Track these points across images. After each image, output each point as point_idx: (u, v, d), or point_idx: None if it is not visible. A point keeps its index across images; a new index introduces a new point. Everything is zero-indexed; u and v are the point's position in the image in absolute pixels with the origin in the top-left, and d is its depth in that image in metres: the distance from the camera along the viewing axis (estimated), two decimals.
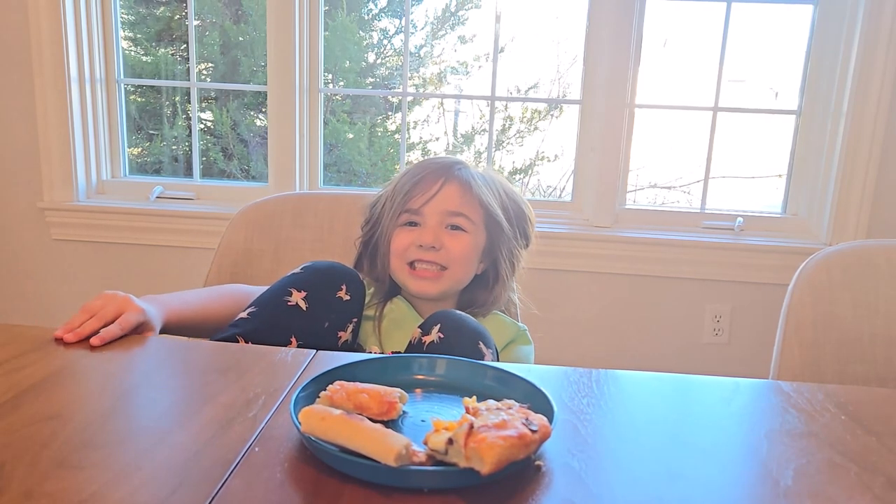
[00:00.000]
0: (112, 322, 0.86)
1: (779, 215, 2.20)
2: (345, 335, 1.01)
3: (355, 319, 1.03)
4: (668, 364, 2.17)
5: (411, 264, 1.08)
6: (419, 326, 0.95)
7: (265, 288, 1.02)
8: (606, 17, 2.07)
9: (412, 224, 1.09)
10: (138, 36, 2.48)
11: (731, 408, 0.75)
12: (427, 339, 0.92)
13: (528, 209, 1.16)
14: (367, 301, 1.10)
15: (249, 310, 0.98)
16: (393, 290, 1.13)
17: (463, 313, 0.96)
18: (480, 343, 0.91)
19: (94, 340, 0.83)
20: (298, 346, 0.95)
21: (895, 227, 2.04)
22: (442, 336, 0.91)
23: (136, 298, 0.91)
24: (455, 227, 1.08)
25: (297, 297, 0.97)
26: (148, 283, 2.28)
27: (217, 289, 1.11)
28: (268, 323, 0.95)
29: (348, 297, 1.00)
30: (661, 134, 2.27)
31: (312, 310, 0.97)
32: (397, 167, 2.44)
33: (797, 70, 2.11)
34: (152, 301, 0.94)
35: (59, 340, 0.84)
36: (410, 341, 0.95)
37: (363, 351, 1.06)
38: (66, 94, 2.15)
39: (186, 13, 2.31)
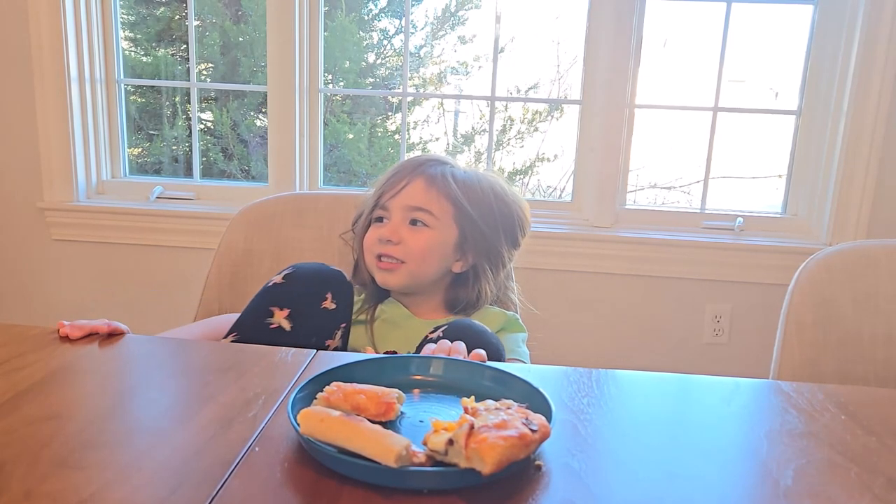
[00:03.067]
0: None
1: (779, 215, 2.19)
2: (333, 342, 1.00)
3: (343, 325, 1.01)
4: (668, 364, 2.17)
5: (378, 258, 1.09)
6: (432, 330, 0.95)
7: None
8: (606, 17, 2.07)
9: (381, 220, 1.11)
10: (138, 36, 2.48)
11: (731, 408, 0.75)
12: (431, 336, 0.93)
13: (519, 208, 1.14)
14: (357, 304, 1.10)
15: (231, 337, 0.95)
16: (383, 291, 1.14)
17: (474, 322, 0.95)
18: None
19: (72, 332, 0.84)
20: None
21: (895, 227, 2.04)
22: (442, 336, 0.91)
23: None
24: (416, 222, 1.09)
25: (280, 317, 0.95)
26: (148, 283, 2.28)
27: (204, 321, 1.10)
28: None
29: (334, 306, 0.98)
30: (661, 134, 2.26)
31: (297, 329, 0.95)
32: None
33: (797, 70, 2.11)
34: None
35: (64, 338, 0.84)
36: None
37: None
38: (66, 94, 2.15)
39: (186, 13, 2.31)
